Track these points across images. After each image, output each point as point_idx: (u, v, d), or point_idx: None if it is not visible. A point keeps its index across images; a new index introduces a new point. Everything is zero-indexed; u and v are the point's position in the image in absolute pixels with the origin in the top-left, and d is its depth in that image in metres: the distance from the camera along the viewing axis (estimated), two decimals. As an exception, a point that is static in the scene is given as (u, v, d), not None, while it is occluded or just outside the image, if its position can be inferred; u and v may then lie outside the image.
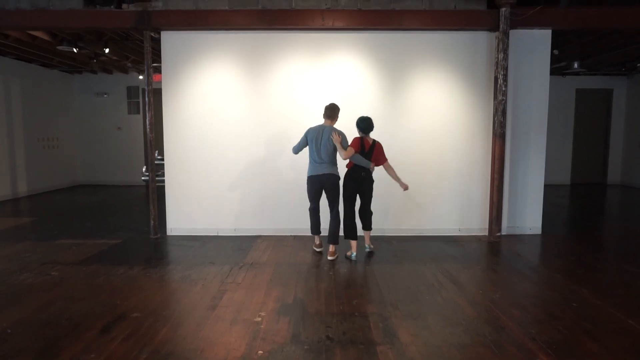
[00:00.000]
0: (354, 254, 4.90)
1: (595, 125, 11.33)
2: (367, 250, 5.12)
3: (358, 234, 4.97)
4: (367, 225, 5.10)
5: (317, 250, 5.15)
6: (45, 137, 10.02)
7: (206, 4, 5.61)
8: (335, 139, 4.70)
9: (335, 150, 4.81)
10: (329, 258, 4.88)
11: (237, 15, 5.59)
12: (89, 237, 5.84)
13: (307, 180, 4.92)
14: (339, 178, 4.89)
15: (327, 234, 5.02)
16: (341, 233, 4.99)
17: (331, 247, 4.92)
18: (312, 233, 5.17)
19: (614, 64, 9.46)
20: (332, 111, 4.88)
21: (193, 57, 5.87)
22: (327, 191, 4.89)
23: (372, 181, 4.95)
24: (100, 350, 2.84)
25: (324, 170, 4.80)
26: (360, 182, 4.84)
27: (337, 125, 4.95)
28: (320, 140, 4.76)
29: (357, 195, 4.95)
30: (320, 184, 4.85)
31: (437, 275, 4.35)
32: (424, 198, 6.03)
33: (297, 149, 4.95)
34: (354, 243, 4.93)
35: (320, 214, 5.09)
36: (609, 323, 3.27)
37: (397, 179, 4.94)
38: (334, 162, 4.89)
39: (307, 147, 4.88)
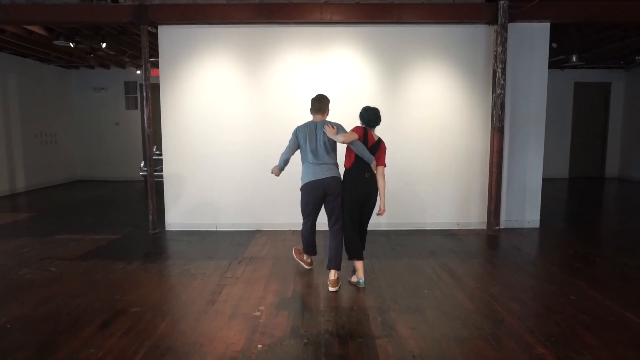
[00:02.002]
0: (361, 279, 3.90)
1: (594, 119, 11.33)
2: (361, 285, 3.91)
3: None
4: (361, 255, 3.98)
5: (306, 266, 4.36)
6: (43, 133, 9.99)
7: (203, -3, 5.58)
8: (330, 131, 3.81)
9: (335, 147, 3.98)
10: (331, 289, 3.81)
11: (235, 9, 5.56)
12: (87, 233, 5.84)
13: (303, 189, 3.96)
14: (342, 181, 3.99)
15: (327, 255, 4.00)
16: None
17: (332, 274, 3.84)
18: (306, 253, 4.32)
19: (613, 57, 9.45)
20: (320, 103, 4.02)
21: (191, 51, 5.84)
22: (330, 200, 3.91)
23: (377, 187, 3.95)
24: (99, 345, 2.84)
25: (326, 173, 3.86)
26: (363, 186, 3.86)
27: (333, 120, 4.15)
28: (315, 138, 3.90)
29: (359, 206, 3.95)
30: (322, 190, 3.87)
31: (436, 269, 4.36)
32: (422, 192, 6.03)
33: (287, 154, 4.04)
34: (359, 265, 3.93)
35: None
36: (607, 316, 3.28)
37: (381, 194, 3.97)
38: (335, 163, 3.98)
39: (299, 149, 4.03)
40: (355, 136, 3.78)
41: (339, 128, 3.89)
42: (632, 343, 2.88)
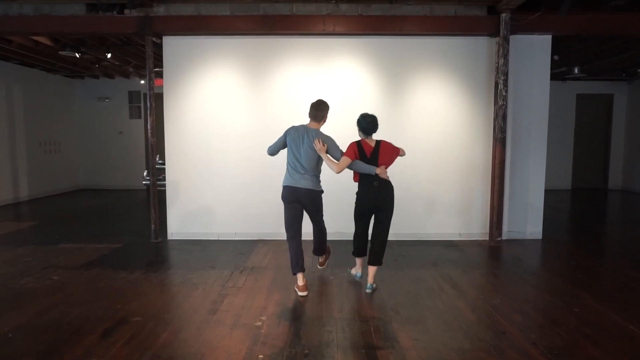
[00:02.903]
0: (359, 274, 4.22)
1: (596, 130, 11.34)
2: (369, 290, 3.99)
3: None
4: (375, 259, 4.02)
5: (302, 294, 3.92)
6: (47, 142, 10.05)
7: (208, 9, 5.65)
8: (320, 149, 3.80)
9: (320, 159, 3.93)
10: (319, 267, 4.53)
11: (239, 21, 5.62)
12: (90, 241, 5.85)
13: (282, 190, 3.99)
14: (321, 192, 4.02)
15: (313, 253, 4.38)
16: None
17: (320, 258, 4.47)
18: (293, 272, 3.99)
19: (615, 69, 9.49)
20: (317, 111, 3.96)
21: (194, 62, 5.90)
22: (307, 209, 4.02)
23: (392, 193, 3.97)
24: (101, 354, 2.84)
25: (302, 183, 3.88)
26: (374, 196, 3.90)
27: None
28: (301, 145, 3.87)
29: (373, 214, 4.05)
30: (296, 197, 3.91)
31: (438, 280, 4.35)
32: (424, 202, 6.03)
33: (272, 150, 4.08)
34: (359, 261, 4.20)
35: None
36: (610, 328, 3.27)
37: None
38: (316, 174, 3.97)
39: (286, 149, 4.04)
40: (347, 162, 3.81)
41: (329, 147, 3.87)
42: (636, 355, 2.86)
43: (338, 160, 3.87)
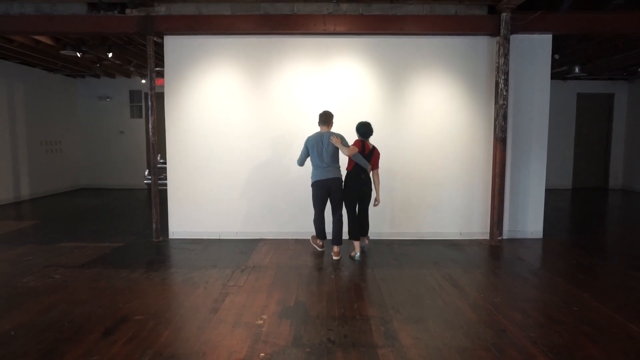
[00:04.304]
0: (358, 254, 5.06)
1: (597, 130, 11.33)
2: (358, 259, 5.06)
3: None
4: (356, 237, 5.09)
5: (319, 249, 5.29)
6: (48, 141, 10.07)
7: (209, 9, 5.65)
8: (335, 141, 4.86)
9: (337, 153, 4.97)
10: (334, 258, 5.01)
11: (240, 20, 5.63)
12: (91, 240, 5.86)
13: (313, 185, 5.00)
14: (342, 180, 5.05)
15: (331, 237, 5.12)
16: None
17: (335, 248, 5.03)
18: (319, 237, 5.26)
19: (615, 69, 9.48)
20: (326, 117, 5.02)
21: (196, 61, 5.91)
22: (333, 194, 4.99)
23: (370, 186, 5.03)
24: (102, 353, 2.85)
25: (330, 174, 4.92)
26: (359, 185, 4.94)
27: (338, 129, 5.14)
28: (322, 146, 4.91)
29: (357, 200, 5.06)
30: (327, 187, 4.94)
31: (438, 279, 4.36)
32: (425, 202, 6.04)
33: (301, 161, 5.06)
34: (357, 244, 5.06)
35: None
36: (610, 327, 3.27)
37: (377, 189, 5.11)
38: (337, 166, 5.03)
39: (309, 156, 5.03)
40: (355, 150, 4.80)
41: (342, 139, 4.93)
42: (636, 354, 2.87)
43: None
